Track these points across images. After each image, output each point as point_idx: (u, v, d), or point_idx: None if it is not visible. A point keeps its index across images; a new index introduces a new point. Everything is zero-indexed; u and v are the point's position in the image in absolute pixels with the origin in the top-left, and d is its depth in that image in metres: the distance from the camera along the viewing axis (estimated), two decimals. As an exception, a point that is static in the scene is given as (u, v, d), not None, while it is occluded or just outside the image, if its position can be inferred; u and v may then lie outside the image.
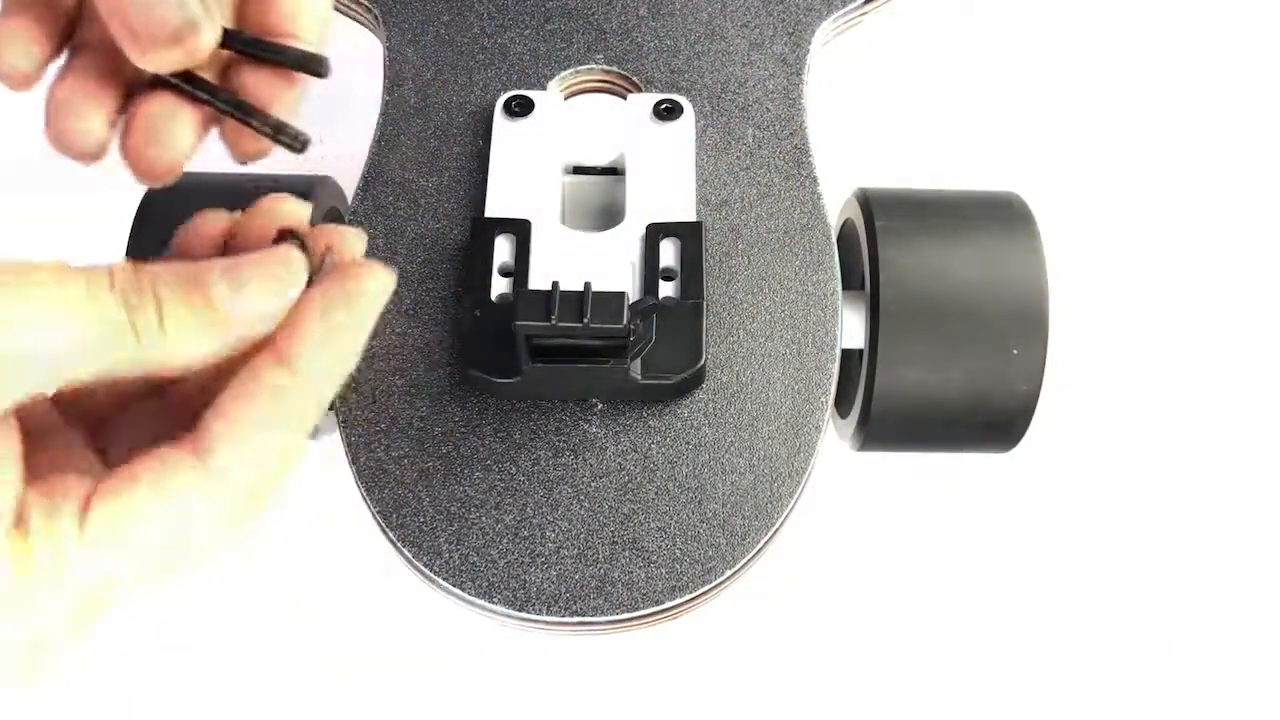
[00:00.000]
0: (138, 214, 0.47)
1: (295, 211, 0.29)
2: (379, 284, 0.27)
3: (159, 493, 0.25)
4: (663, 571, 0.40)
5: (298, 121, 0.29)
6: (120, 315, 0.24)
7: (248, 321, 0.26)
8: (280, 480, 0.26)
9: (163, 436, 0.26)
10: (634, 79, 0.49)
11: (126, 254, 0.47)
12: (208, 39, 0.27)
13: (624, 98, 0.49)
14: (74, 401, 0.28)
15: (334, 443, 0.43)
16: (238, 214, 0.30)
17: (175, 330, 0.25)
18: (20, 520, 0.24)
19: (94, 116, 0.28)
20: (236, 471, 0.25)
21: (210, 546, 0.26)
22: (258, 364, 0.26)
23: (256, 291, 0.26)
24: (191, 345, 0.25)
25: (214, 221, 0.29)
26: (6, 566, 0.24)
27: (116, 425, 0.28)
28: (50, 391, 0.25)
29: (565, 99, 0.49)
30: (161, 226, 0.43)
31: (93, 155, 0.28)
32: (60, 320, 0.24)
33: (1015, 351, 0.45)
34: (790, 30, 0.50)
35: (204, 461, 0.25)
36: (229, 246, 0.29)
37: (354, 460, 0.41)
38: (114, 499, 0.25)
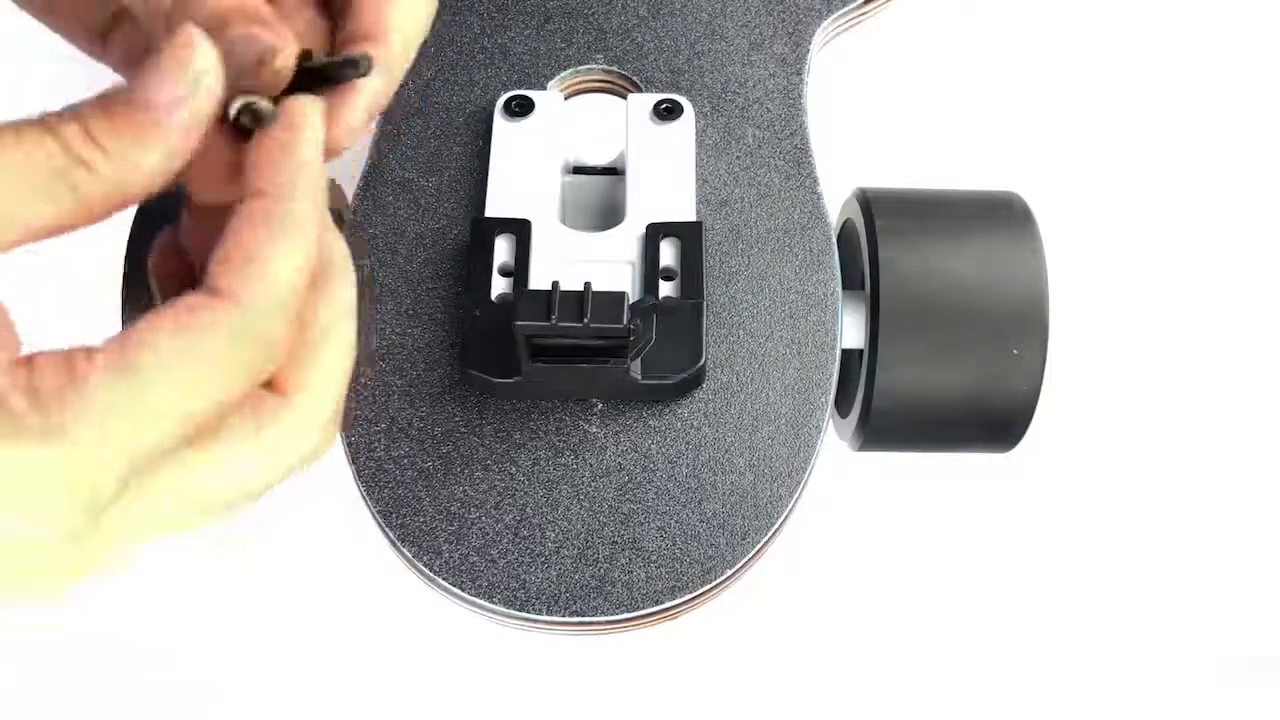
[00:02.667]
0: (137, 214, 0.47)
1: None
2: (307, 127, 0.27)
3: (173, 329, 0.24)
4: (662, 571, 0.39)
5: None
6: (58, 153, 0.24)
7: (177, 109, 0.25)
8: (295, 300, 0.26)
9: None
10: (634, 79, 0.49)
11: (126, 255, 0.47)
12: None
13: (624, 98, 0.49)
14: None
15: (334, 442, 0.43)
16: None
17: (115, 146, 0.25)
18: (24, 362, 0.23)
19: None
20: (249, 294, 0.25)
21: (244, 381, 0.25)
22: (237, 204, 0.26)
23: (170, 73, 0.25)
24: (139, 155, 0.25)
25: None
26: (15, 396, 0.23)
27: None
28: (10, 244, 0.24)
29: (565, 99, 0.49)
30: (163, 214, 0.44)
31: None
32: (10, 179, 0.24)
33: (1015, 351, 0.45)
34: (790, 30, 0.50)
35: (213, 294, 0.24)
36: None
37: (354, 460, 0.41)
38: (124, 336, 0.24)
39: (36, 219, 0.24)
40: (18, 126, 0.24)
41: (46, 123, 0.25)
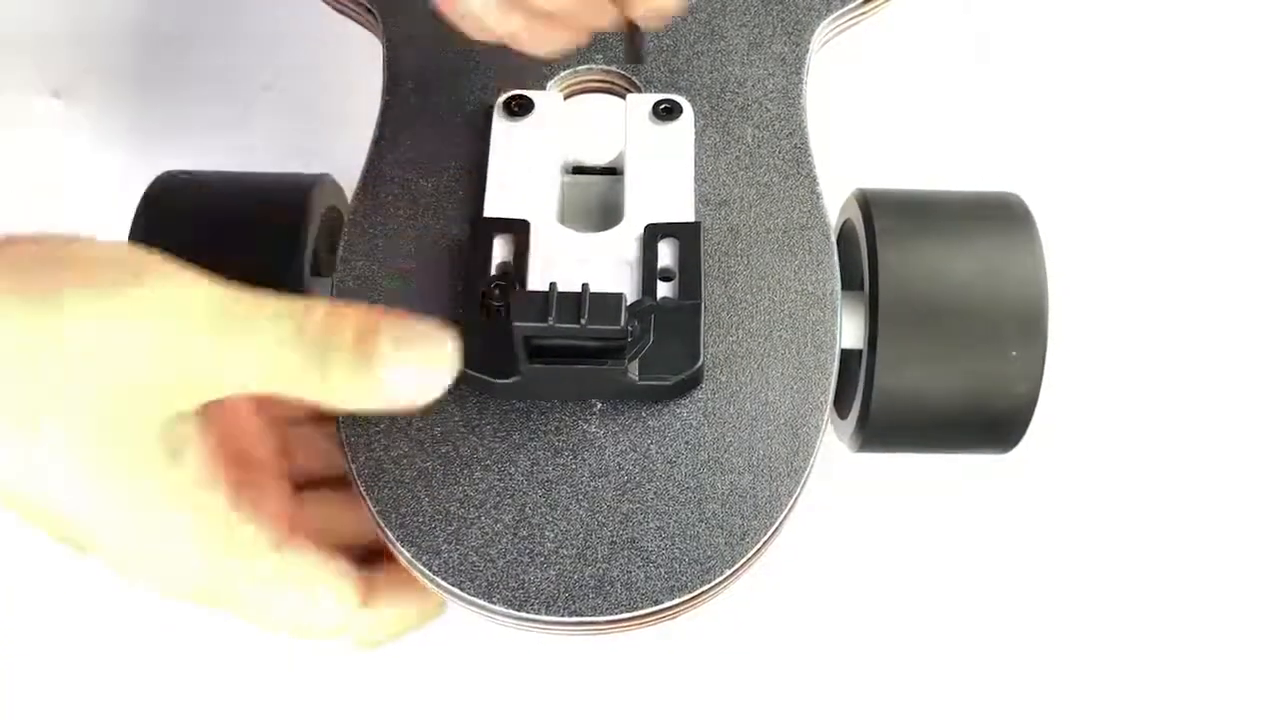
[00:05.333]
0: (143, 201, 0.47)
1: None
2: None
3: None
4: (662, 571, 0.39)
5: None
6: (311, 359, 0.31)
7: (399, 392, 0.32)
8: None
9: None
10: (633, 79, 0.49)
11: (130, 236, 0.47)
12: None
13: (623, 98, 0.49)
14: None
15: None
16: None
17: (342, 381, 0.31)
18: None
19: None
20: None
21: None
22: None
23: (412, 369, 0.32)
24: (352, 395, 0.32)
25: None
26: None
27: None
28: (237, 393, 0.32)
29: (564, 99, 0.49)
30: (164, 213, 0.48)
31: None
32: (268, 356, 0.31)
33: (1014, 353, 0.45)
34: (789, 30, 0.50)
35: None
36: None
37: (353, 460, 0.41)
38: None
39: (260, 391, 0.32)
40: (297, 326, 0.31)
41: (316, 338, 0.31)
